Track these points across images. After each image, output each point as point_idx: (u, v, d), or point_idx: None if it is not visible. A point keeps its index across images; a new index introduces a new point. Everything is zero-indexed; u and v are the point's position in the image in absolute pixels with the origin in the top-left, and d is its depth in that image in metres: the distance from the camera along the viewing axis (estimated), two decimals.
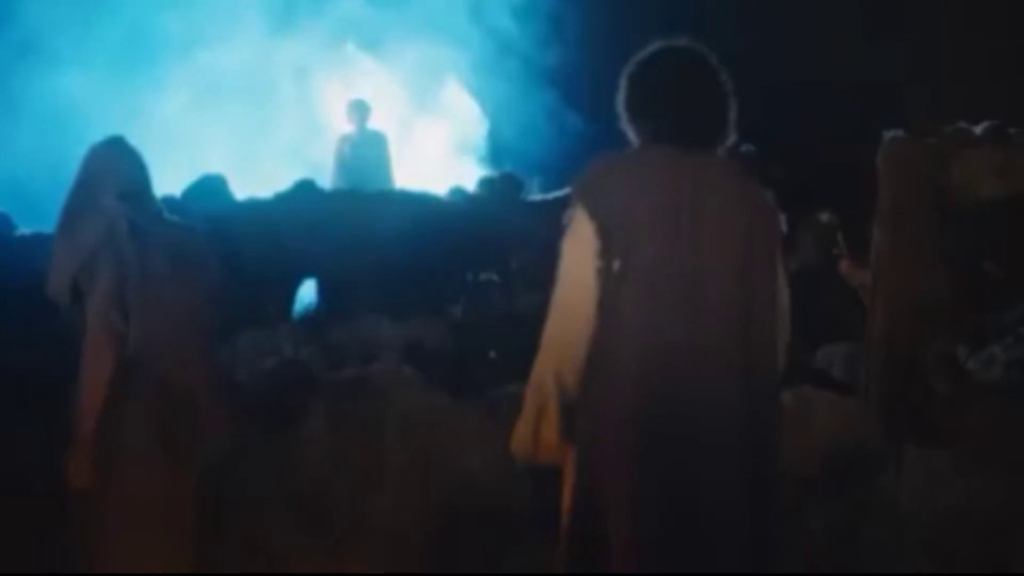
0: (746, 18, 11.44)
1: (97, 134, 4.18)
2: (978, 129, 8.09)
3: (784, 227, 3.22)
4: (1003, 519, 4.88)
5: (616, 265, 3.02)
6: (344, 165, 10.42)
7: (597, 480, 3.03)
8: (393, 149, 10.66)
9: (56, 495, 4.06)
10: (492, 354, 7.47)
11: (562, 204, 3.19)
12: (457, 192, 9.35)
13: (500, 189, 9.03)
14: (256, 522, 5.01)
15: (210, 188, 8.68)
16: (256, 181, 9.97)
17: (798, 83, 11.16)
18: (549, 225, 3.34)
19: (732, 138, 3.22)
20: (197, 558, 4.09)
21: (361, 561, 4.95)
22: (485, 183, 9.22)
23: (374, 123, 10.66)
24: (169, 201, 7.73)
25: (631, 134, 3.22)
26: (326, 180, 10.12)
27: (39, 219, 7.42)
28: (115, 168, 3.99)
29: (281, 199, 8.85)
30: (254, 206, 8.81)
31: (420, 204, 8.84)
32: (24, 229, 8.38)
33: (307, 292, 8.94)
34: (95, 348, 3.80)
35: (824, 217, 7.44)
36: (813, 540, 4.91)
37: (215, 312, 4.18)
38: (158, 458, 3.88)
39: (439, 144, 12.61)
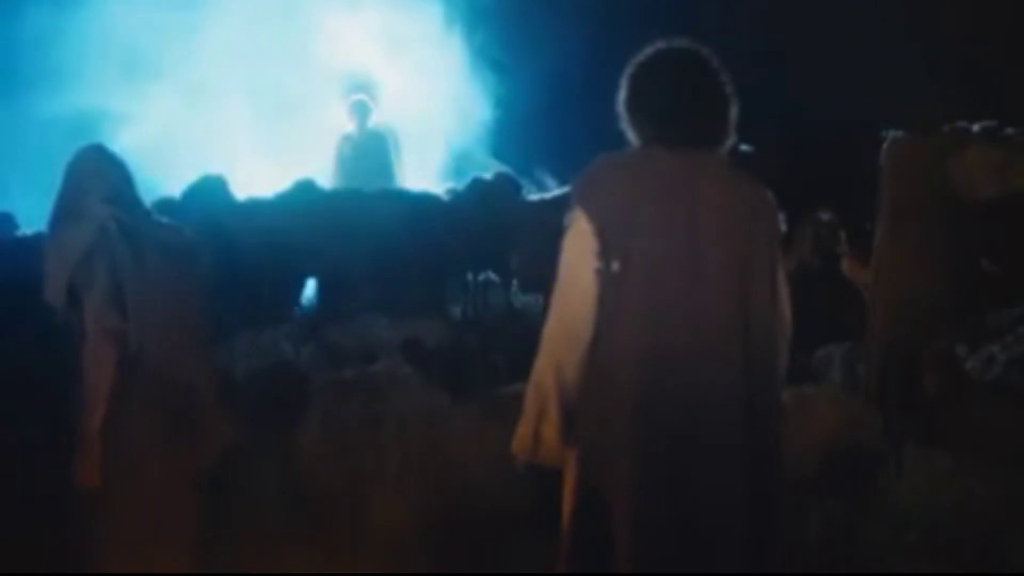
0: (746, 18, 11.44)
1: None
2: (977, 128, 8.07)
3: (784, 226, 3.22)
4: (1003, 519, 4.88)
5: (616, 266, 3.02)
6: (345, 165, 10.39)
7: (598, 480, 3.03)
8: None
9: (57, 495, 4.07)
10: (492, 354, 7.47)
11: (561, 204, 3.19)
12: (452, 192, 9.32)
13: (498, 189, 8.99)
14: (256, 522, 5.01)
15: (209, 189, 8.67)
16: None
17: (798, 83, 11.15)
18: (548, 225, 3.35)
19: (732, 138, 3.22)
20: (198, 557, 4.10)
21: (361, 561, 4.94)
22: (478, 183, 9.19)
23: None
24: (168, 203, 7.80)
25: (631, 135, 3.22)
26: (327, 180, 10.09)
27: None
28: (99, 173, 4.02)
29: (281, 199, 8.84)
30: (254, 206, 8.80)
31: (420, 203, 8.83)
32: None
33: (307, 292, 8.94)
34: (96, 348, 3.82)
35: (825, 216, 7.43)
36: (813, 540, 4.91)
37: (210, 309, 4.21)
38: (162, 456, 3.90)
39: None
